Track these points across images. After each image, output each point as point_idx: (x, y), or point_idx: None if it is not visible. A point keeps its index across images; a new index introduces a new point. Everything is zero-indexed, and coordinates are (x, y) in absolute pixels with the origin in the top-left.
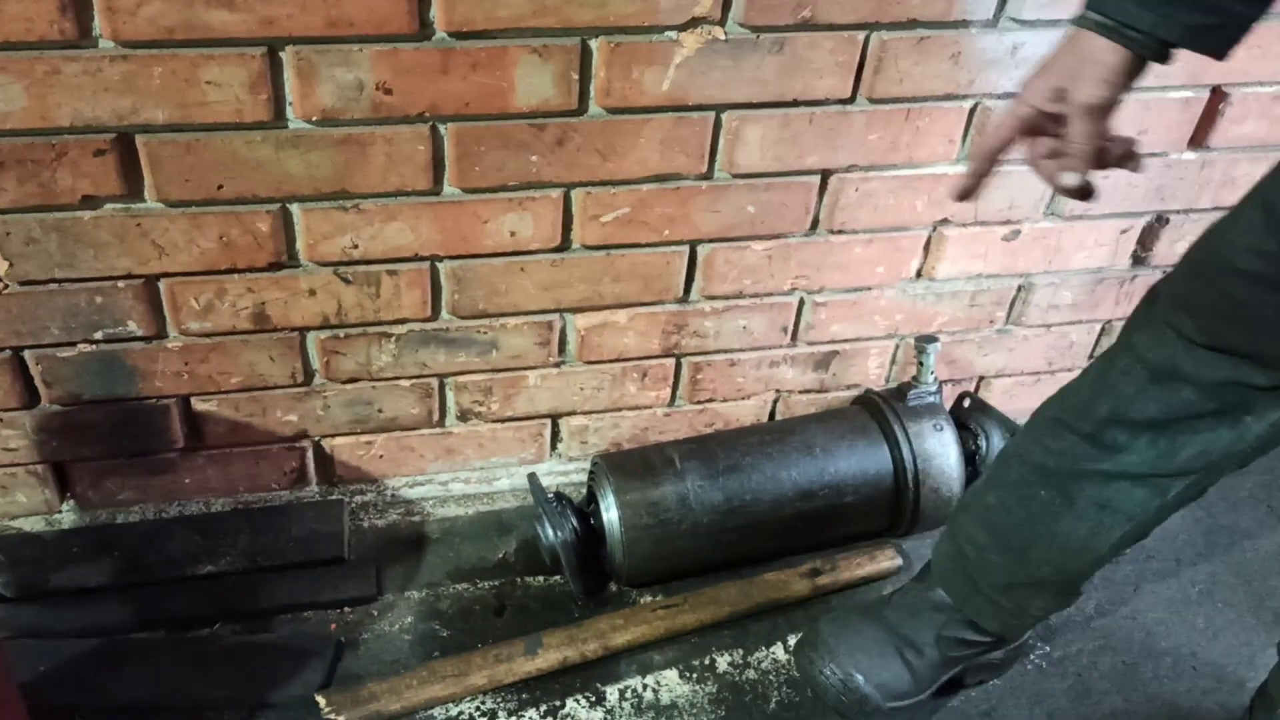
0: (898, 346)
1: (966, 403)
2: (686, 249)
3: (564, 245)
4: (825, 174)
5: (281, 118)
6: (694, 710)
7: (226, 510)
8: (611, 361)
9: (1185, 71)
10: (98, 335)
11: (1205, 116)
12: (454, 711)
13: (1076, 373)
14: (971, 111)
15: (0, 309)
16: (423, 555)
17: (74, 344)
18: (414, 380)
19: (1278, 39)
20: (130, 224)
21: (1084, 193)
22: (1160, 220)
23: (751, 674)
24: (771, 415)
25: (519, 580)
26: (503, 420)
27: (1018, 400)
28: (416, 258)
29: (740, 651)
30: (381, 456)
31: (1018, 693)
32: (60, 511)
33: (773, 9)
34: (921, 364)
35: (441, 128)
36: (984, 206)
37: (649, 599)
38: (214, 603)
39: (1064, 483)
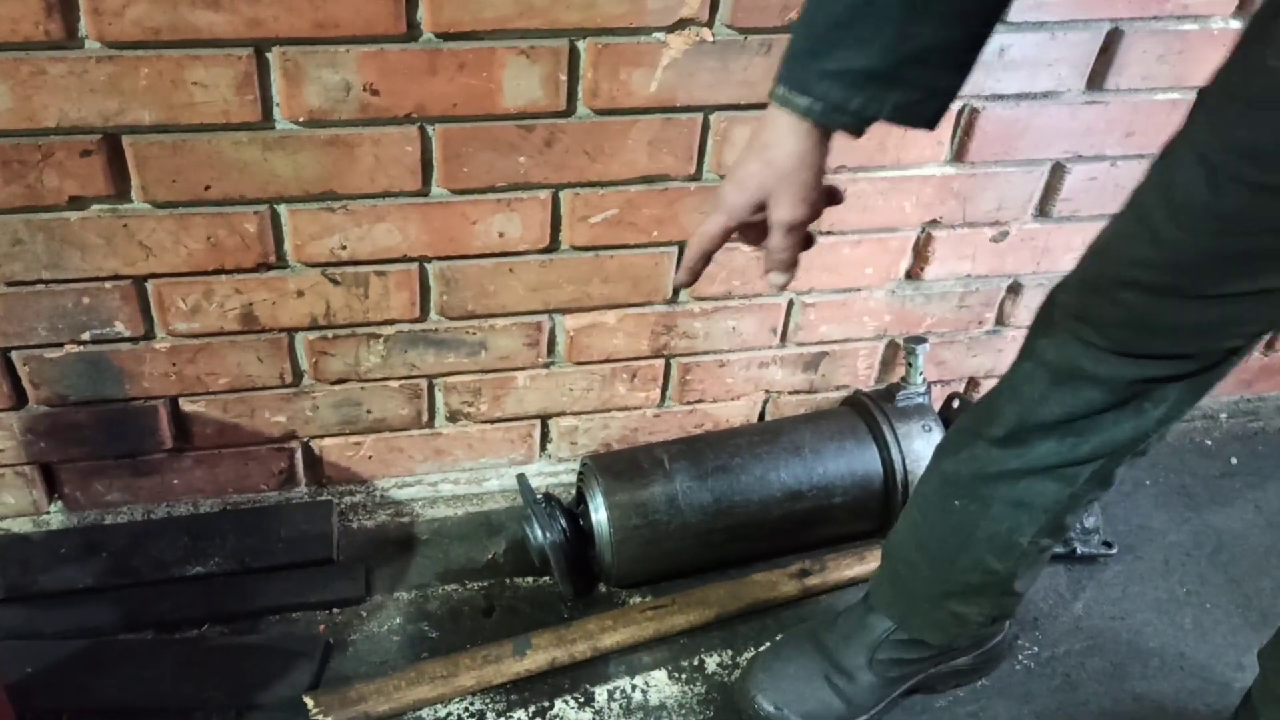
0: (886, 347)
1: (955, 404)
2: (675, 250)
3: (552, 246)
4: None
5: (268, 119)
6: (683, 711)
7: (215, 511)
8: (600, 362)
9: (1173, 74)
10: (85, 336)
11: None
12: (442, 712)
13: None
14: (960, 113)
15: None
16: (412, 556)
17: (61, 345)
18: (403, 381)
19: None
20: (117, 225)
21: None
22: None
23: (740, 675)
24: (761, 416)
25: (508, 581)
26: (492, 421)
27: None
28: (405, 259)
29: (729, 652)
30: (370, 457)
31: (1005, 693)
32: (48, 512)
33: (760, 10)
34: (910, 365)
35: (429, 129)
36: (972, 208)
37: (638, 600)
38: (202, 604)
39: (977, 487)
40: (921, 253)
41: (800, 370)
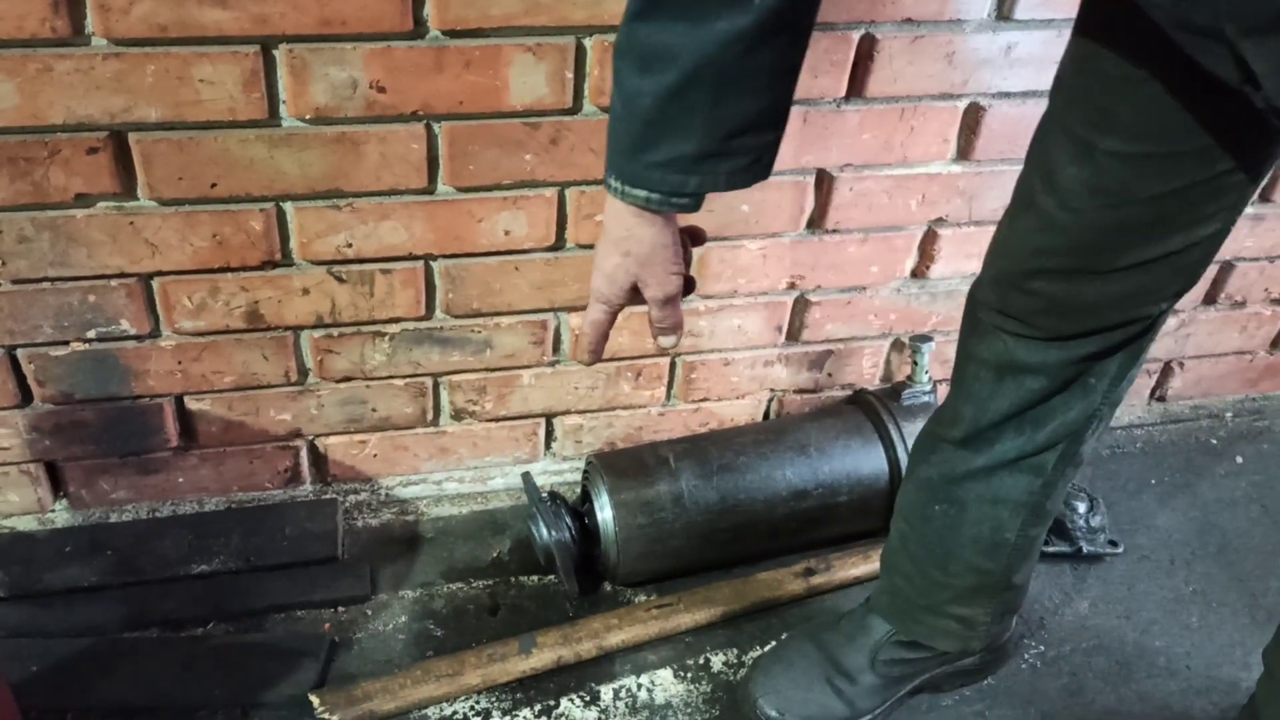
0: (892, 346)
1: None
2: None
3: (558, 244)
4: (819, 173)
5: (275, 116)
6: (688, 710)
7: (220, 510)
8: (606, 360)
9: None
10: (91, 334)
11: None
12: (448, 711)
13: None
14: (966, 111)
15: None
16: (417, 554)
17: (67, 343)
18: (408, 379)
19: None
20: (123, 222)
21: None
22: None
23: (743, 678)
24: (766, 415)
25: (513, 580)
26: (497, 419)
27: None
28: (410, 257)
29: (735, 651)
30: (375, 456)
31: (1011, 692)
32: (53, 511)
33: None
34: (916, 364)
35: (435, 126)
36: (978, 206)
37: (643, 599)
38: (207, 602)
39: (951, 490)
40: (927, 251)
41: (805, 369)
